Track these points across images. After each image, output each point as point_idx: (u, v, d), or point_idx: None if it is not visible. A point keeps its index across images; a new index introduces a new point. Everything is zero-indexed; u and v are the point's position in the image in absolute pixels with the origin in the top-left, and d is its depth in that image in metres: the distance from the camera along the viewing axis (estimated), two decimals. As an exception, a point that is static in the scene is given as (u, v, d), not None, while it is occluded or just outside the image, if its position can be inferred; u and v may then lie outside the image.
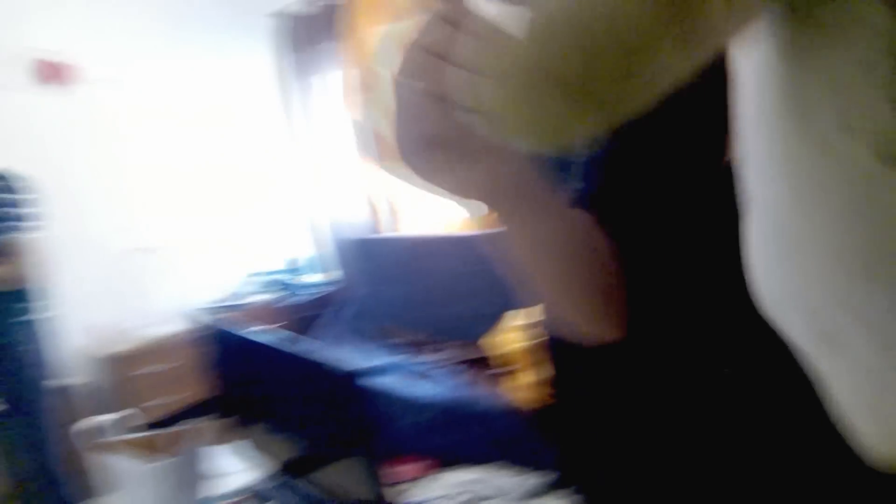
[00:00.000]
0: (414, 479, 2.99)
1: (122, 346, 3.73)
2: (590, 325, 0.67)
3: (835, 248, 0.39)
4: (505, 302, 3.22)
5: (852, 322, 0.39)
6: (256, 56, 4.69)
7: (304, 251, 4.94)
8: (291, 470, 1.87)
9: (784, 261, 0.44)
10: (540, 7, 0.35)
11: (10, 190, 2.60)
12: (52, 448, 2.75)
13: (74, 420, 2.68)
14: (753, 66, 0.42)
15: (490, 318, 3.26)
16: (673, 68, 0.35)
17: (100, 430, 2.23)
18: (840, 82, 0.35)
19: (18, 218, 2.60)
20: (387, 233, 4.25)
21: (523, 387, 2.82)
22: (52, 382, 2.80)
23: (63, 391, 2.89)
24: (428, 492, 2.86)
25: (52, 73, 3.74)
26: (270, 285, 4.55)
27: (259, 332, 1.79)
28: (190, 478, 1.98)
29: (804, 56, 0.37)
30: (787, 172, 0.41)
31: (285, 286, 4.56)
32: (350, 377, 1.32)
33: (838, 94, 0.35)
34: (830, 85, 0.36)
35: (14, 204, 2.59)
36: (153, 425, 2.84)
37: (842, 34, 0.34)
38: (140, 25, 4.18)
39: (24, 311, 2.70)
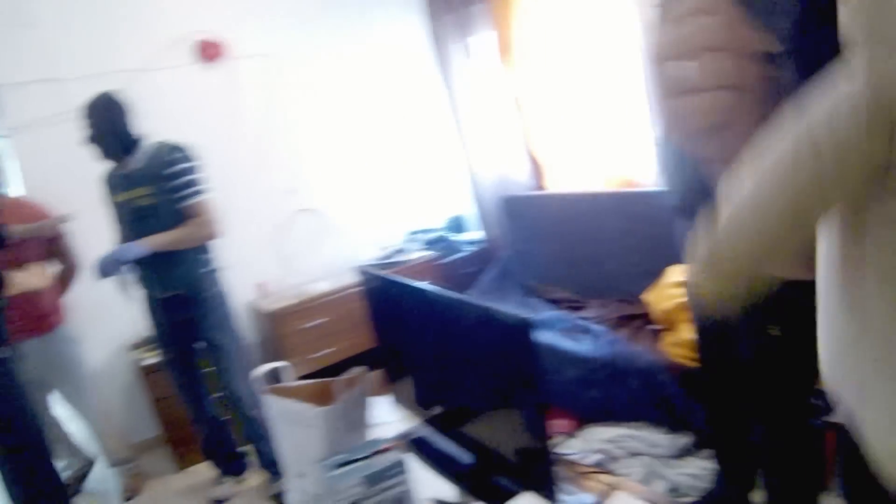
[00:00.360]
0: (565, 432, 3.00)
1: (286, 302, 3.96)
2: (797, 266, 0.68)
3: None
4: (663, 258, 3.16)
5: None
6: (409, 19, 4.74)
7: (464, 209, 5.02)
8: (447, 419, 1.93)
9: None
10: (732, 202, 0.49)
11: (188, 159, 2.85)
12: (242, 387, 3.01)
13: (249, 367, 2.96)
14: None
15: (647, 275, 3.19)
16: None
17: (274, 377, 2.39)
18: None
19: (197, 183, 2.86)
20: (542, 190, 4.22)
21: (679, 344, 2.75)
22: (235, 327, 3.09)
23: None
24: (580, 445, 2.87)
25: (212, 51, 4.03)
26: (430, 243, 4.66)
27: (424, 285, 1.83)
28: (355, 422, 2.08)
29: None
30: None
31: (444, 243, 4.65)
32: (524, 327, 1.34)
33: None
34: None
35: (192, 171, 2.85)
36: (315, 376, 3.01)
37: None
38: (287, 4, 4.37)
39: (208, 262, 2.99)
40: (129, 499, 3.43)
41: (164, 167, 2.78)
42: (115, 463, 3.43)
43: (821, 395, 2.08)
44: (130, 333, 3.82)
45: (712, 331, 1.98)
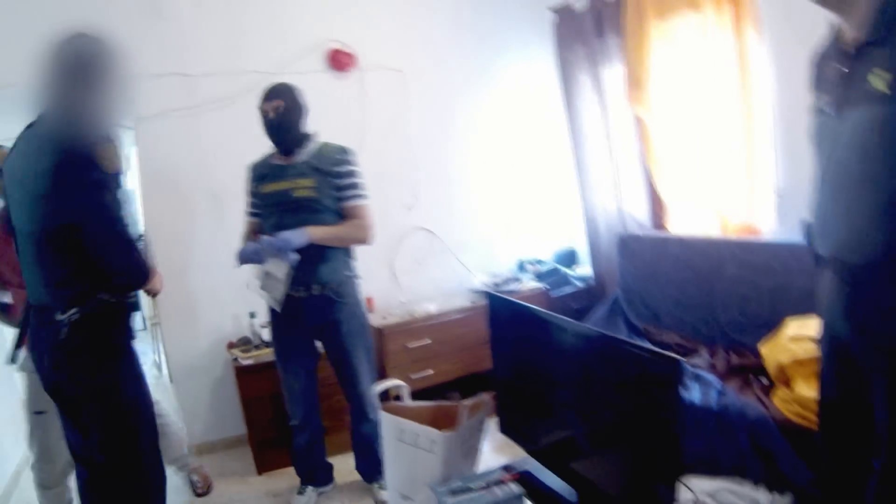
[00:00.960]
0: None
1: (394, 319, 4.02)
2: None
3: None
4: (780, 310, 3.06)
5: None
6: (540, 46, 4.78)
7: (576, 243, 5.01)
8: (554, 453, 1.90)
9: None
10: None
11: (354, 163, 2.95)
12: (369, 393, 3.07)
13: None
14: None
15: (761, 326, 3.10)
16: None
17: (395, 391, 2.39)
18: None
19: (361, 187, 2.96)
20: (660, 230, 4.14)
21: (792, 400, 2.65)
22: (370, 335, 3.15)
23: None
24: (679, 494, 2.79)
25: (343, 60, 4.17)
26: (541, 275, 4.64)
27: (561, 317, 1.81)
28: (471, 449, 2.07)
29: None
30: None
31: (556, 276, 4.62)
32: (673, 367, 1.31)
33: None
34: None
35: (357, 174, 2.95)
36: (419, 395, 3.02)
37: None
38: (421, 20, 4.49)
39: (353, 267, 3.06)
40: (201, 494, 3.46)
41: (332, 164, 2.87)
42: (170, 462, 3.37)
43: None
44: (230, 331, 3.95)
45: (839, 386, 1.91)
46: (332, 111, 4.05)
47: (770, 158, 3.44)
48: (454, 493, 1.83)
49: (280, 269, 2.76)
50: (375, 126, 4.26)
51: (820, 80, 1.80)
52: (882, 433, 1.76)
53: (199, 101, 3.73)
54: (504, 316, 2.17)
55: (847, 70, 1.62)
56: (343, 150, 2.92)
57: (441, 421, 2.06)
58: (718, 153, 3.60)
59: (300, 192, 2.83)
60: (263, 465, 3.65)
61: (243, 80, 3.48)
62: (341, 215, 2.91)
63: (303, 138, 2.91)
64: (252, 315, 3.80)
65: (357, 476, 3.33)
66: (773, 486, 2.68)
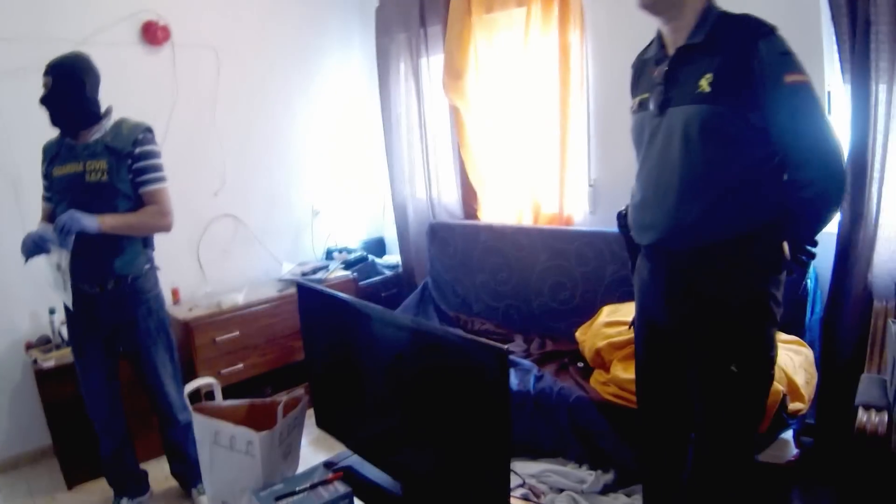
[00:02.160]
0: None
1: (200, 311, 3.76)
2: None
3: None
4: (594, 297, 3.20)
5: None
6: (360, 35, 4.74)
7: (388, 231, 4.98)
8: (377, 446, 1.87)
9: None
10: None
11: (154, 143, 2.69)
12: (175, 396, 2.87)
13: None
14: None
15: (575, 313, 3.22)
16: None
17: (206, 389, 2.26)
18: None
19: (160, 169, 2.70)
20: (471, 220, 4.20)
21: (609, 382, 2.78)
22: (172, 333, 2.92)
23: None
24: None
25: (157, 34, 3.84)
26: (350, 263, 4.55)
27: (379, 308, 1.76)
28: (291, 448, 1.99)
29: None
30: None
31: (365, 264, 4.55)
32: (500, 359, 1.30)
33: None
34: None
35: (157, 156, 2.69)
36: (224, 391, 2.88)
37: None
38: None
39: (151, 258, 2.81)
40: None
41: (129, 145, 2.59)
42: None
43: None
44: (28, 330, 3.54)
45: (659, 372, 2.03)
46: (142, 86, 3.76)
47: (584, 151, 3.59)
48: (278, 498, 1.74)
49: (63, 257, 2.46)
50: (184, 105, 3.96)
51: (642, 81, 1.93)
52: (697, 410, 1.88)
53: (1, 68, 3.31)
54: (314, 306, 2.09)
55: (671, 71, 1.76)
56: (142, 129, 2.64)
57: (257, 419, 1.96)
58: (534, 145, 3.70)
59: (93, 176, 2.55)
60: (73, 478, 3.30)
61: (46, 49, 3.02)
62: (140, 200, 2.65)
63: (94, 114, 2.62)
64: (52, 311, 3.39)
65: (174, 481, 3.14)
66: (596, 464, 2.80)
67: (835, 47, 2.51)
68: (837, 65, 2.52)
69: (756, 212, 1.69)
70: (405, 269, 4.68)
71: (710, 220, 1.70)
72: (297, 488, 1.76)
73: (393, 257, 4.86)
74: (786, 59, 1.60)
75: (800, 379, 2.43)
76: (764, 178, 1.69)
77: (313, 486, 1.77)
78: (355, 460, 2.01)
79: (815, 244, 1.74)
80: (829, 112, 2.70)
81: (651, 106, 1.82)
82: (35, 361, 3.30)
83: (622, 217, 2.07)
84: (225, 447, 1.92)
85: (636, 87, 1.97)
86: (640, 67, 1.97)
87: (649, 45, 1.94)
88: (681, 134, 1.71)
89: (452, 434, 1.53)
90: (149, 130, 2.68)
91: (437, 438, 1.60)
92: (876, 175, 2.44)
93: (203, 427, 1.96)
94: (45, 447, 3.55)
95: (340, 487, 1.77)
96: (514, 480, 2.81)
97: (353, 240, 4.97)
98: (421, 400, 1.61)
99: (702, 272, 1.76)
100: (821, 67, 2.68)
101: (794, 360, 2.49)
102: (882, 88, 2.38)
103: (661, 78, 1.79)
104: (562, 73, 3.50)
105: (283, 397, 2.00)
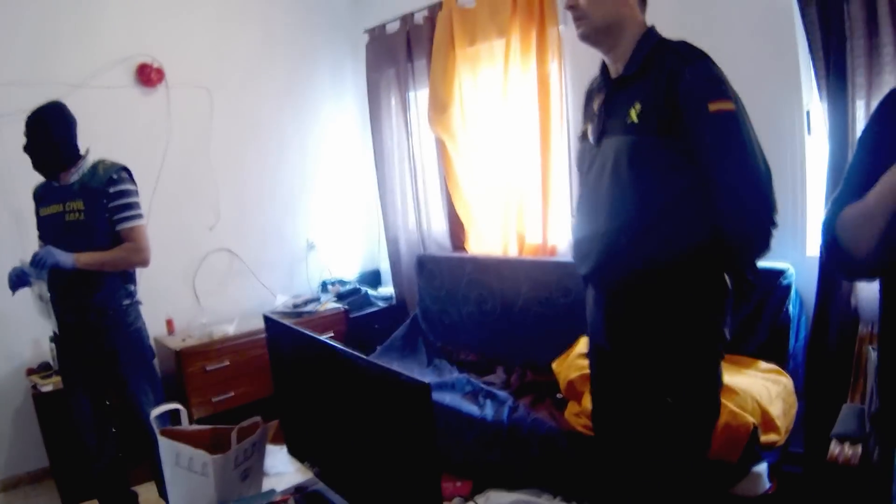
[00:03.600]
0: (462, 495, 3.01)
1: (193, 341, 3.86)
2: None
3: None
4: (574, 328, 3.22)
5: None
6: (350, 70, 4.86)
7: (383, 263, 5.04)
8: (339, 475, 1.93)
9: None
10: None
11: (131, 182, 2.81)
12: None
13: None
14: None
15: (556, 345, 3.25)
16: None
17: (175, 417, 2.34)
18: None
19: (136, 207, 2.81)
20: (458, 251, 4.27)
21: (580, 414, 2.80)
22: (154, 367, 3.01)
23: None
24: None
25: (151, 76, 3.99)
26: (343, 295, 4.62)
27: (326, 339, 1.84)
28: (249, 472, 2.05)
29: None
30: None
31: (357, 296, 4.62)
32: (422, 391, 1.35)
33: None
34: None
35: (133, 194, 2.81)
36: (214, 419, 2.96)
37: None
38: (232, 37, 4.39)
39: (132, 293, 2.90)
40: None
41: (106, 185, 2.73)
42: None
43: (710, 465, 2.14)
44: (30, 356, 3.68)
45: (609, 398, 2.03)
46: (138, 127, 3.93)
47: (566, 180, 3.63)
48: (228, 517, 1.82)
49: (43, 289, 2.63)
50: (179, 144, 4.11)
51: (587, 110, 1.95)
52: (648, 434, 1.86)
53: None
54: (280, 338, 2.19)
55: (607, 101, 1.79)
56: (116, 168, 2.78)
57: (219, 444, 2.04)
58: (517, 176, 3.76)
59: (71, 216, 2.70)
60: (69, 499, 3.38)
61: (46, 91, 3.22)
62: (119, 237, 2.77)
63: (72, 157, 2.77)
64: (52, 339, 3.57)
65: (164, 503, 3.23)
66: (569, 495, 2.80)
67: (811, 65, 2.48)
68: (814, 83, 2.49)
69: (686, 240, 1.66)
70: (398, 301, 4.73)
71: (640, 249, 1.69)
72: (249, 509, 1.83)
73: (387, 289, 4.92)
74: (710, 86, 1.57)
75: (776, 409, 2.41)
76: (694, 206, 1.64)
77: (263, 508, 1.83)
78: (324, 487, 2.07)
79: (754, 275, 1.71)
80: (809, 132, 2.70)
81: (590, 137, 1.85)
82: (34, 386, 3.44)
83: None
84: (184, 468, 1.99)
85: (584, 115, 1.98)
86: (589, 97, 1.99)
87: (599, 73, 1.94)
88: (612, 165, 1.72)
89: (388, 462, 1.58)
90: (124, 170, 2.81)
91: (377, 467, 1.66)
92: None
93: (167, 449, 2.04)
94: (45, 468, 3.65)
95: (289, 509, 1.84)
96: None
97: (350, 272, 5.04)
98: (361, 429, 1.68)
99: (638, 301, 1.76)
100: (798, 87, 2.67)
101: (770, 389, 2.47)
102: (860, 105, 2.36)
103: (599, 109, 1.82)
104: (541, 103, 3.56)
105: (242, 424, 2.08)
